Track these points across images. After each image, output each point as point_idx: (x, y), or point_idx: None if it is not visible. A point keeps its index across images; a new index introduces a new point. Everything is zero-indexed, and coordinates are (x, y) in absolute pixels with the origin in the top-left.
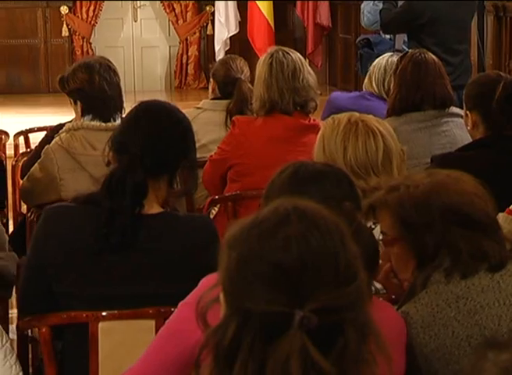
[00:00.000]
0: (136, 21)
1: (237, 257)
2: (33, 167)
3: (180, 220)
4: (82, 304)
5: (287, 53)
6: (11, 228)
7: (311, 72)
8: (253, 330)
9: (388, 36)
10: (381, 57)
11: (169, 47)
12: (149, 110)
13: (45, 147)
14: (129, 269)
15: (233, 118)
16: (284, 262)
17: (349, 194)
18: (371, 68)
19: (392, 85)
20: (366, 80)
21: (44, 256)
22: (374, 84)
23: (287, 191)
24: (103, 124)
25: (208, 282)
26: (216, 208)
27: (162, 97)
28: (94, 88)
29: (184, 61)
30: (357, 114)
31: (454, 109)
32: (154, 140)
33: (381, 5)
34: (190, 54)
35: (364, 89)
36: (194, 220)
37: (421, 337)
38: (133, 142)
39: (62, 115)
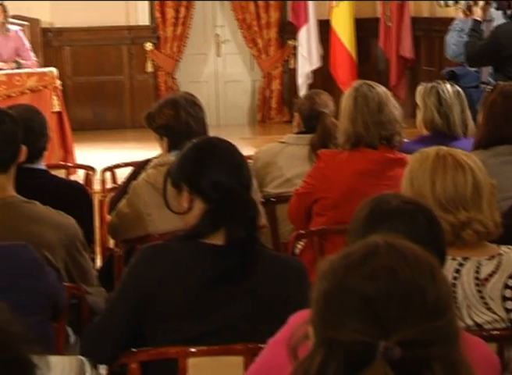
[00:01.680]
0: (219, 56)
1: (325, 288)
2: (121, 203)
3: (271, 258)
4: (173, 339)
5: (372, 87)
6: (98, 263)
7: (397, 105)
8: (338, 361)
9: (473, 68)
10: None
11: (252, 81)
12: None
13: (132, 183)
14: (225, 304)
15: (319, 152)
16: (371, 292)
17: (425, 234)
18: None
19: (479, 117)
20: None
21: (139, 292)
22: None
23: (363, 229)
24: None
25: (297, 319)
26: (302, 243)
27: (245, 131)
28: (179, 124)
29: (267, 95)
30: (444, 148)
31: None
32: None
33: (466, 38)
34: (272, 88)
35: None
36: (285, 259)
37: None
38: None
39: (147, 150)
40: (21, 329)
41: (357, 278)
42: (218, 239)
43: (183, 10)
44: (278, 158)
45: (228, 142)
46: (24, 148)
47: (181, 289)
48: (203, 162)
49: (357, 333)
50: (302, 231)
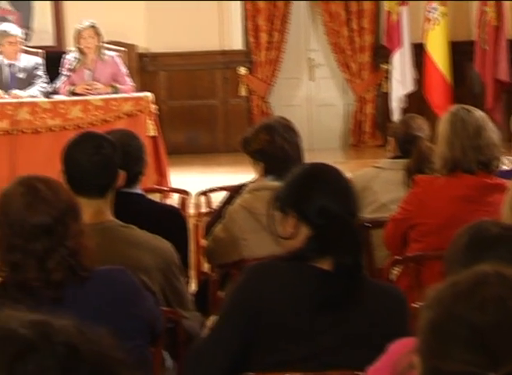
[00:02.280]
0: (312, 80)
1: (432, 317)
2: (217, 227)
3: (372, 285)
4: (277, 360)
5: (470, 111)
6: (193, 288)
7: (495, 129)
8: None
9: None
10: None
11: (345, 105)
12: (320, 172)
13: (228, 207)
14: (327, 329)
15: (415, 177)
16: (480, 322)
17: None
18: None
19: None
20: None
21: (246, 309)
22: None
23: (464, 257)
24: None
25: (398, 347)
26: (397, 269)
27: (338, 155)
28: (275, 149)
29: (360, 119)
30: None
31: None
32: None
33: None
34: (366, 112)
35: None
36: (386, 286)
37: None
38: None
39: (240, 174)
40: (123, 355)
41: (465, 307)
42: (322, 264)
43: (276, 35)
44: (373, 183)
45: (335, 168)
46: (122, 173)
47: (287, 309)
48: (310, 187)
49: (465, 364)
50: (398, 257)
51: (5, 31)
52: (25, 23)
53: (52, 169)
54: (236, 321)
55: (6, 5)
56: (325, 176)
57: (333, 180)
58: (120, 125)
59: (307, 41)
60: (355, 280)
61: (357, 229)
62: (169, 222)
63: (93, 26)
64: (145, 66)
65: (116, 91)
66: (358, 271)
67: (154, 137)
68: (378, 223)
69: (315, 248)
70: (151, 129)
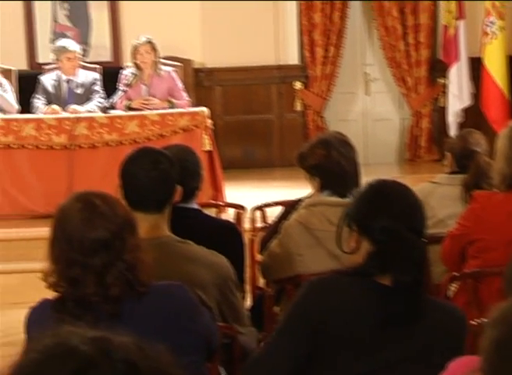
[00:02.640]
0: (368, 94)
1: (496, 336)
2: (272, 243)
3: (432, 302)
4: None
5: None
6: (248, 302)
7: None
8: None
9: None
10: None
11: (401, 119)
12: (386, 189)
13: (284, 222)
14: (388, 345)
15: (473, 193)
16: None
17: None
18: None
19: None
20: None
21: (306, 323)
22: None
23: None
24: (341, 200)
25: (459, 366)
26: (455, 285)
27: (394, 170)
28: (331, 164)
29: (416, 133)
30: None
31: None
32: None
33: None
34: (422, 126)
35: None
36: (446, 305)
37: None
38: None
39: (295, 189)
40: (180, 371)
41: None
42: (383, 280)
43: (332, 49)
44: (430, 198)
45: (403, 185)
46: (179, 188)
47: (347, 324)
48: (374, 203)
49: None
50: (456, 273)
51: (63, 47)
52: (83, 39)
53: (109, 184)
54: (295, 334)
55: (65, 22)
56: (391, 192)
57: (398, 197)
58: (176, 140)
59: (363, 55)
60: (415, 297)
61: (419, 246)
62: (226, 237)
63: (149, 42)
64: (201, 81)
65: (172, 105)
66: (418, 288)
67: (209, 152)
68: (435, 239)
69: (376, 264)
70: (206, 144)
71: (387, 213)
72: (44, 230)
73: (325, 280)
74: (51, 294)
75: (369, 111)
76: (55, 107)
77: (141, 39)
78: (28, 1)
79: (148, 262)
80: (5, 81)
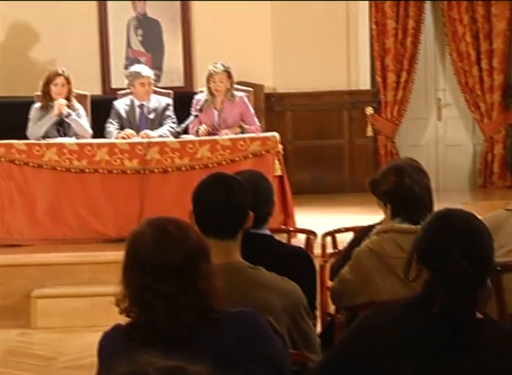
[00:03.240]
0: (440, 120)
1: None
2: (344, 269)
3: (494, 329)
4: None
5: None
6: (318, 329)
7: None
8: None
9: None
10: None
11: (473, 145)
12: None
13: (355, 249)
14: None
15: None
16: None
17: None
18: None
19: None
20: None
21: (356, 354)
22: None
23: None
24: (413, 227)
25: None
26: None
27: (466, 196)
28: (404, 191)
29: (489, 159)
30: None
31: None
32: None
33: None
34: (495, 152)
35: None
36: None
37: None
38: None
39: (366, 214)
40: None
41: None
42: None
43: (404, 75)
44: (504, 225)
45: (467, 213)
46: (251, 214)
47: (400, 357)
48: (431, 231)
49: None
50: None
51: (137, 73)
52: (156, 64)
53: (180, 208)
54: (344, 363)
55: (139, 47)
56: (451, 220)
57: (457, 225)
58: (247, 165)
59: (436, 80)
60: (463, 323)
61: (467, 272)
62: (297, 263)
63: (226, 70)
64: (272, 106)
65: (244, 131)
66: (466, 314)
67: (280, 177)
68: (509, 267)
69: (432, 293)
70: (277, 169)
71: (442, 241)
72: (115, 254)
73: (379, 313)
74: (122, 319)
75: (441, 136)
76: (129, 131)
77: (218, 66)
78: (103, 28)
79: (221, 288)
80: (79, 106)
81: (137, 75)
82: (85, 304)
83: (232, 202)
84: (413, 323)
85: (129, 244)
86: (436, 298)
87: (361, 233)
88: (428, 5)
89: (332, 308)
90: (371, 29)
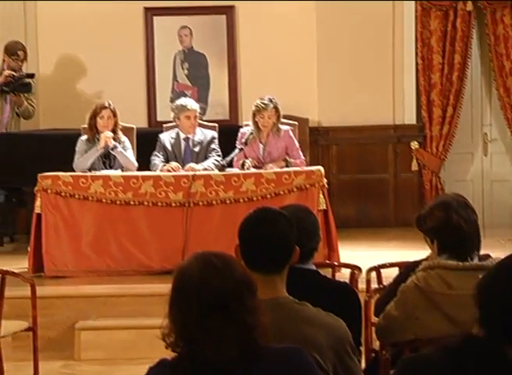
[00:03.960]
0: (486, 155)
1: None
2: (389, 305)
3: None
4: None
5: None
6: (362, 365)
7: None
8: None
9: None
10: None
11: None
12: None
13: (401, 285)
14: None
15: None
16: None
17: None
18: None
19: None
20: None
21: None
22: None
23: None
24: (460, 263)
25: None
26: None
27: None
28: (451, 227)
29: None
30: None
31: None
32: None
33: None
34: None
35: None
36: None
37: None
38: None
39: (410, 249)
40: None
41: None
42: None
43: (450, 109)
44: None
45: None
46: (297, 249)
47: None
48: (492, 278)
49: None
50: None
51: (183, 106)
52: (201, 98)
53: (224, 241)
54: None
55: (185, 81)
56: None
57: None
58: (292, 198)
59: (482, 115)
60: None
61: None
62: (343, 298)
63: (274, 107)
64: (317, 140)
65: (288, 164)
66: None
67: (324, 211)
68: None
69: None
70: (322, 203)
71: (498, 288)
72: (159, 287)
73: (417, 360)
74: (165, 351)
75: (487, 171)
76: (174, 164)
77: (266, 102)
78: (150, 61)
79: (267, 324)
80: (125, 139)
81: (183, 108)
82: (129, 336)
83: (279, 237)
84: (457, 366)
85: (176, 278)
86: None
87: (407, 268)
88: (474, 41)
89: (376, 345)
90: (417, 63)
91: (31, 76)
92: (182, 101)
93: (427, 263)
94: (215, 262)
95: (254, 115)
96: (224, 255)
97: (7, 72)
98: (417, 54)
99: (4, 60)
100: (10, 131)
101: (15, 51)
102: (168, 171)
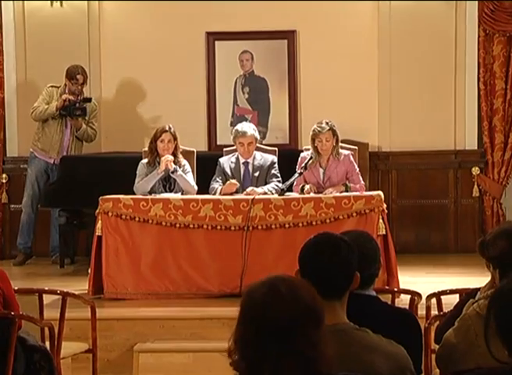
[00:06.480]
0: None
1: None
2: (448, 332)
3: None
4: None
5: None
6: None
7: None
8: None
9: None
10: None
11: None
12: None
13: (463, 313)
14: None
15: None
16: None
17: None
18: None
19: None
20: None
21: None
22: None
23: None
24: None
25: None
26: None
27: None
28: None
29: None
30: None
31: None
32: None
33: None
34: None
35: None
36: None
37: None
38: None
39: (470, 276)
40: None
41: None
42: None
43: None
44: None
45: None
46: (358, 275)
47: None
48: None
49: None
50: None
51: (238, 132)
52: (261, 122)
53: (282, 265)
54: None
55: (245, 105)
56: None
57: None
58: (351, 223)
59: None
60: None
61: None
62: (403, 325)
63: (331, 129)
64: (377, 165)
65: (348, 189)
66: None
67: (384, 236)
68: None
69: None
70: (381, 228)
71: None
72: (217, 310)
73: None
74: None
75: None
76: (233, 181)
77: (323, 125)
78: (211, 85)
79: (330, 354)
80: (185, 162)
81: (237, 134)
82: (187, 359)
83: (341, 264)
84: None
85: (243, 300)
86: None
87: (468, 295)
88: None
89: (437, 372)
90: (479, 89)
91: (88, 100)
92: (239, 126)
93: (490, 291)
94: (280, 289)
95: (313, 139)
96: (293, 281)
97: (64, 96)
98: (479, 79)
99: (65, 84)
100: (71, 154)
101: (74, 75)
102: (229, 188)
